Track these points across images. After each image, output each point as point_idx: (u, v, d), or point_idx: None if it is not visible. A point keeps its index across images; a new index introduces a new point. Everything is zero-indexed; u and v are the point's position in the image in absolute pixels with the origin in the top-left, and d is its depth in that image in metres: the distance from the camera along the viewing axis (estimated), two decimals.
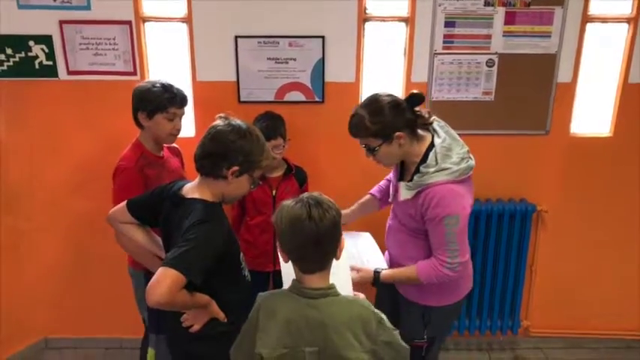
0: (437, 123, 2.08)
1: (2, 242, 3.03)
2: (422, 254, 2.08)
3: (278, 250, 1.66)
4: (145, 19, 2.79)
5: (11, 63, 2.79)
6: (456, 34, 2.81)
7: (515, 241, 3.05)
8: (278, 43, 2.78)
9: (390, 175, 2.30)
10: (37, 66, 2.80)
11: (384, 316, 1.69)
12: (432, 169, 1.95)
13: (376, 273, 2.14)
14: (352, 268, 2.11)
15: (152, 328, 2.44)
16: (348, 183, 2.70)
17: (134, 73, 2.82)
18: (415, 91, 2.02)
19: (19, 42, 2.76)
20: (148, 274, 1.98)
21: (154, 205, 1.93)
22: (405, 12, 2.81)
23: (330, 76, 2.83)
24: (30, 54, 2.78)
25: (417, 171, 1.99)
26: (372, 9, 2.80)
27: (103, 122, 2.88)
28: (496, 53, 2.83)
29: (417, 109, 2.02)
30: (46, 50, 2.78)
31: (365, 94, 2.82)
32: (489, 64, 2.85)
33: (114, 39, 2.77)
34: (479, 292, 3.15)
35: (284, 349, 1.61)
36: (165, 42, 2.87)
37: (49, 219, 3.05)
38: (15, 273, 3.10)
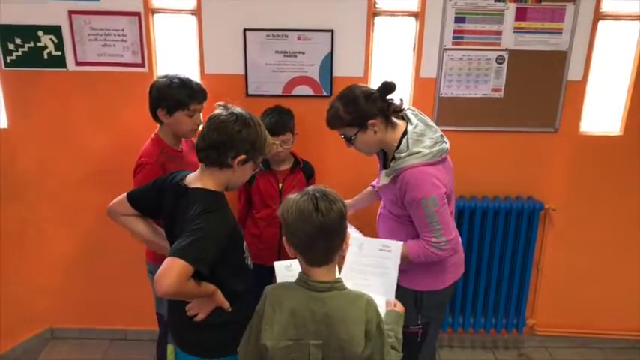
0: (410, 111, 2.16)
1: (10, 231, 3.05)
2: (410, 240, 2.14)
3: (284, 243, 1.67)
4: (154, 11, 2.78)
5: (20, 53, 2.79)
6: (466, 30, 2.79)
7: (522, 239, 3.03)
8: (287, 36, 2.77)
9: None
10: (45, 56, 2.80)
11: (390, 317, 1.70)
12: (403, 154, 2.03)
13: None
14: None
15: None
16: (355, 177, 2.69)
17: (142, 65, 2.82)
18: (387, 80, 2.08)
19: (29, 32, 2.76)
20: None
21: (156, 196, 1.93)
22: (415, 7, 2.79)
23: (339, 71, 2.82)
24: (39, 44, 2.78)
25: (393, 158, 2.07)
26: (381, 3, 2.78)
27: (111, 113, 2.88)
28: (506, 50, 2.81)
29: (389, 97, 2.09)
30: (55, 41, 2.78)
31: None
32: (499, 60, 2.83)
33: (122, 30, 2.77)
34: (484, 290, 3.14)
35: (289, 340, 1.62)
36: (173, 34, 2.86)
37: (56, 209, 3.06)
38: (22, 263, 3.12)
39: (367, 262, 1.90)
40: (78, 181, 2.99)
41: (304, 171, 2.72)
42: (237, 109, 1.82)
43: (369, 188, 2.53)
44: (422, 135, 2.06)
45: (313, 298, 1.62)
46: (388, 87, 2.07)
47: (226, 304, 1.87)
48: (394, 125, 2.11)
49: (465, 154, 2.88)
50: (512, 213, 2.98)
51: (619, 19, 2.83)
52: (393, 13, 2.81)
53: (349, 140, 2.11)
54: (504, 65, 2.83)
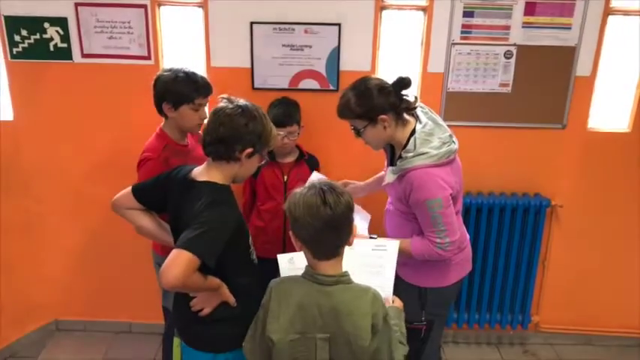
0: (420, 109, 2.13)
1: (15, 224, 3.05)
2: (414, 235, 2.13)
3: (291, 237, 1.66)
4: (160, 3, 2.77)
5: (26, 45, 2.79)
6: (474, 25, 2.77)
7: (528, 235, 3.02)
8: (294, 29, 2.75)
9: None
10: (51, 48, 2.79)
11: (393, 313, 1.69)
12: (410, 154, 2.01)
13: (372, 239, 2.15)
14: None
15: None
16: (360, 171, 2.67)
17: (148, 58, 2.81)
18: (402, 75, 2.05)
19: (35, 24, 2.75)
20: None
21: (161, 190, 1.92)
22: (423, 0, 2.77)
23: (346, 65, 2.80)
24: (45, 36, 2.77)
25: (400, 156, 2.05)
26: None
27: (116, 106, 2.87)
28: (514, 45, 2.79)
29: (403, 93, 2.05)
30: (61, 32, 2.77)
31: None
32: (507, 55, 2.81)
33: (129, 22, 2.76)
34: (490, 286, 3.13)
35: (295, 334, 1.62)
36: (180, 27, 2.85)
37: (61, 201, 3.06)
38: (27, 255, 3.12)
39: (362, 262, 1.88)
40: (83, 174, 2.99)
41: (309, 163, 2.72)
42: (242, 102, 1.81)
43: (382, 173, 2.48)
44: (430, 134, 2.04)
45: (320, 291, 1.62)
46: (403, 82, 2.03)
47: (232, 299, 1.86)
48: (405, 122, 2.08)
49: (472, 150, 2.86)
50: (518, 209, 2.97)
51: (629, 15, 2.80)
52: (400, 7, 2.79)
53: (357, 132, 2.09)
54: (512, 60, 2.81)
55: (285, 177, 2.66)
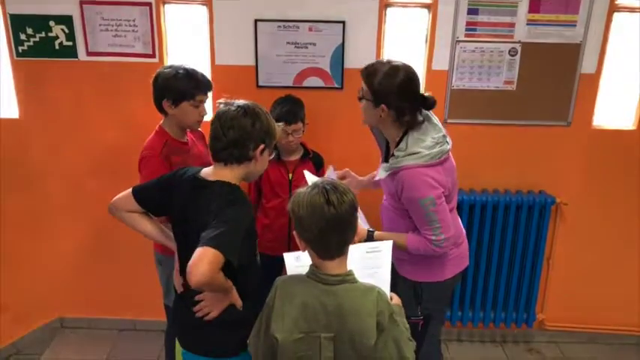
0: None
1: (21, 221, 3.06)
2: (411, 231, 2.14)
3: (295, 237, 1.66)
4: (165, 1, 2.77)
5: (32, 43, 2.79)
6: (478, 22, 2.76)
7: (533, 233, 3.01)
8: (298, 27, 2.75)
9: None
10: (57, 46, 2.80)
11: (396, 310, 1.69)
12: (401, 153, 2.02)
13: (370, 232, 2.16)
14: None
15: None
16: (364, 170, 2.67)
17: (153, 56, 2.81)
18: (430, 95, 2.07)
19: (40, 22, 2.76)
20: None
21: (164, 192, 1.90)
22: None
23: (350, 63, 2.80)
24: (50, 34, 2.78)
25: (392, 154, 2.07)
26: None
27: (121, 104, 2.88)
28: (519, 42, 2.78)
29: (421, 111, 2.07)
30: (67, 31, 2.78)
31: None
32: (512, 52, 2.80)
33: (134, 21, 2.76)
34: (494, 284, 3.12)
35: (300, 333, 1.61)
36: (184, 25, 2.85)
37: (67, 199, 3.07)
38: (32, 252, 3.13)
39: (356, 266, 1.88)
40: (88, 171, 3.00)
41: (314, 161, 2.72)
42: (241, 102, 1.81)
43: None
44: (424, 134, 2.05)
45: (324, 291, 1.62)
46: (427, 101, 2.06)
47: (239, 302, 1.84)
48: (402, 122, 2.07)
49: (477, 147, 2.88)
50: (523, 207, 2.96)
51: (634, 12, 2.79)
52: (405, 4, 2.79)
53: (359, 98, 2.10)
54: (517, 58, 2.81)
55: (291, 175, 2.67)
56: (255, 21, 2.74)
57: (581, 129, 2.92)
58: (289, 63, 2.81)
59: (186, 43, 2.87)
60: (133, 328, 3.35)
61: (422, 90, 2.14)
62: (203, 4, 2.77)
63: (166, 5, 2.79)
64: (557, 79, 2.84)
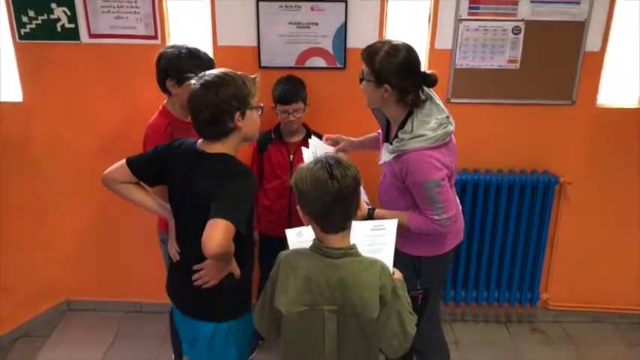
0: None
1: (26, 204, 3.08)
2: (411, 208, 2.15)
3: (299, 212, 1.67)
4: None
5: (34, 25, 2.79)
6: (481, 0, 2.74)
7: (536, 212, 3.01)
8: (300, 7, 2.74)
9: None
10: (59, 29, 2.79)
11: (398, 284, 1.70)
12: (407, 136, 2.02)
13: (370, 210, 2.17)
14: None
15: None
16: (367, 152, 2.67)
17: (155, 37, 2.81)
18: (432, 73, 2.07)
19: (42, 4, 2.75)
20: None
21: (161, 163, 1.93)
22: None
23: (353, 42, 2.78)
24: (52, 16, 2.77)
25: (396, 136, 2.07)
26: None
27: (124, 86, 2.88)
28: (523, 20, 2.76)
29: (423, 89, 2.08)
30: (68, 13, 2.77)
31: None
32: (515, 31, 2.78)
33: (135, 2, 2.75)
34: (498, 263, 3.13)
35: (303, 306, 1.63)
36: (186, 6, 2.84)
37: (71, 181, 3.09)
38: (39, 235, 3.15)
39: (361, 242, 1.88)
40: (92, 154, 3.00)
41: None
42: (207, 74, 1.83)
43: (375, 134, 2.50)
44: (428, 115, 2.05)
45: (328, 264, 1.63)
46: (429, 79, 2.07)
47: (238, 271, 1.90)
48: (405, 103, 2.08)
49: (480, 127, 2.87)
50: (527, 186, 2.96)
51: None
52: None
53: (361, 79, 2.10)
54: (520, 36, 2.79)
55: (292, 156, 2.67)
56: (257, 1, 2.73)
57: (586, 108, 2.90)
58: (291, 43, 2.80)
59: (188, 24, 2.87)
60: (139, 310, 3.38)
61: (423, 68, 2.13)
62: None
63: None
64: (561, 57, 2.82)
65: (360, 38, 2.75)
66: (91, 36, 2.81)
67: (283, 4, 2.73)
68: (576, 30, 2.77)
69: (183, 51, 2.26)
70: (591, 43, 2.80)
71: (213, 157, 1.82)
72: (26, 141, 2.99)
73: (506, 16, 2.76)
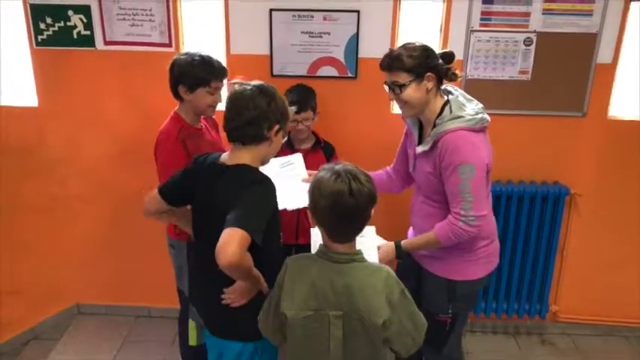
0: (451, 87, 2.16)
1: (39, 208, 3.12)
2: None
3: (308, 215, 1.68)
4: None
5: (50, 32, 2.84)
6: (493, 12, 2.75)
7: (546, 224, 3.00)
8: (312, 16, 2.76)
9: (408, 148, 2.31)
10: (75, 35, 2.84)
11: (404, 288, 1.70)
12: (446, 118, 2.01)
13: (397, 243, 2.16)
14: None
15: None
16: (376, 161, 2.67)
17: (169, 45, 2.84)
18: (447, 50, 2.10)
19: (59, 11, 2.81)
20: (191, 243, 2.05)
21: (189, 182, 1.93)
22: None
23: (364, 52, 2.80)
24: (69, 23, 2.83)
25: (434, 126, 2.05)
26: None
27: (138, 93, 2.92)
28: (534, 32, 2.77)
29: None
30: (85, 20, 2.82)
31: None
32: (527, 42, 2.79)
33: (150, 10, 2.80)
34: (507, 274, 3.12)
35: (309, 311, 1.64)
36: (200, 14, 2.88)
37: (84, 186, 3.12)
38: (50, 238, 3.18)
39: (276, 180, 1.85)
40: (106, 159, 3.05)
41: (325, 150, 2.72)
42: (257, 82, 1.84)
43: (381, 172, 2.46)
44: (463, 104, 2.06)
45: (334, 269, 1.64)
46: (449, 54, 2.07)
47: (266, 288, 1.84)
48: (440, 93, 2.09)
49: (491, 138, 2.81)
50: (537, 198, 2.95)
51: None
52: None
53: (399, 87, 2.02)
54: (532, 47, 2.79)
55: None
56: (270, 10, 2.76)
57: (597, 120, 2.89)
58: (304, 52, 2.82)
59: (202, 32, 2.90)
60: (148, 315, 3.40)
61: None
62: None
63: None
64: (572, 69, 2.82)
65: (371, 48, 2.78)
66: (107, 43, 2.86)
67: (296, 13, 2.76)
68: (588, 42, 2.78)
69: (196, 58, 2.28)
70: (603, 55, 2.79)
71: (233, 169, 1.82)
72: (40, 145, 3.03)
73: (517, 28, 2.77)
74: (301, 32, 2.79)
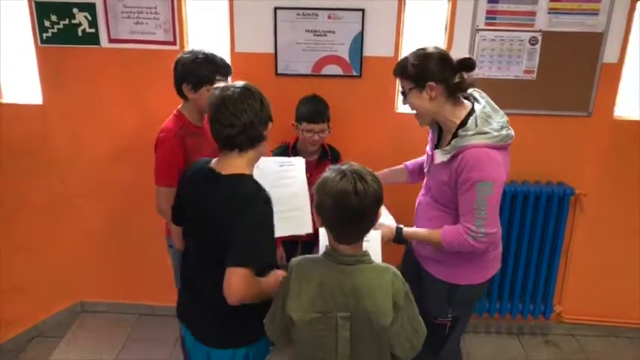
0: (477, 93, 2.07)
1: (43, 206, 3.12)
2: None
3: (315, 215, 1.68)
4: None
5: (55, 30, 2.84)
6: (499, 10, 2.74)
7: (551, 224, 2.99)
8: (317, 15, 2.76)
9: (428, 148, 2.27)
10: (80, 33, 2.85)
11: (409, 289, 1.69)
12: (470, 132, 1.92)
13: (398, 228, 2.12)
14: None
15: None
16: (381, 160, 2.66)
17: (174, 43, 2.84)
18: (468, 56, 2.01)
19: (64, 9, 2.81)
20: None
21: (184, 200, 1.93)
22: None
23: (369, 50, 2.80)
24: (73, 21, 2.83)
25: (455, 135, 1.97)
26: None
27: (142, 91, 2.92)
28: (540, 31, 2.76)
29: (465, 74, 1.99)
30: (89, 18, 2.82)
31: None
32: (532, 41, 2.78)
33: (155, 8, 2.80)
34: (511, 275, 3.11)
35: (316, 313, 1.63)
36: (205, 12, 2.88)
37: (88, 184, 3.13)
38: (53, 237, 3.19)
39: (272, 179, 1.87)
40: (109, 157, 3.05)
41: (333, 161, 2.66)
42: (239, 83, 1.79)
43: (400, 166, 2.46)
44: (489, 116, 1.96)
45: (341, 271, 1.63)
46: (467, 63, 1.98)
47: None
48: (458, 102, 2.00)
49: None
50: (542, 197, 2.94)
51: None
52: None
53: (404, 94, 2.03)
54: (537, 47, 2.78)
55: (308, 175, 2.65)
56: (275, 9, 2.75)
57: (602, 119, 2.88)
58: (308, 51, 2.82)
59: (207, 30, 2.90)
60: (151, 313, 3.40)
61: None
62: None
63: None
64: (578, 68, 2.81)
65: (376, 47, 2.78)
66: (111, 41, 2.86)
67: (301, 12, 2.75)
68: (594, 41, 2.76)
69: (200, 56, 2.28)
70: (609, 55, 2.78)
71: (228, 179, 1.75)
72: (45, 143, 3.03)
73: (523, 27, 2.76)
74: (306, 30, 2.79)
